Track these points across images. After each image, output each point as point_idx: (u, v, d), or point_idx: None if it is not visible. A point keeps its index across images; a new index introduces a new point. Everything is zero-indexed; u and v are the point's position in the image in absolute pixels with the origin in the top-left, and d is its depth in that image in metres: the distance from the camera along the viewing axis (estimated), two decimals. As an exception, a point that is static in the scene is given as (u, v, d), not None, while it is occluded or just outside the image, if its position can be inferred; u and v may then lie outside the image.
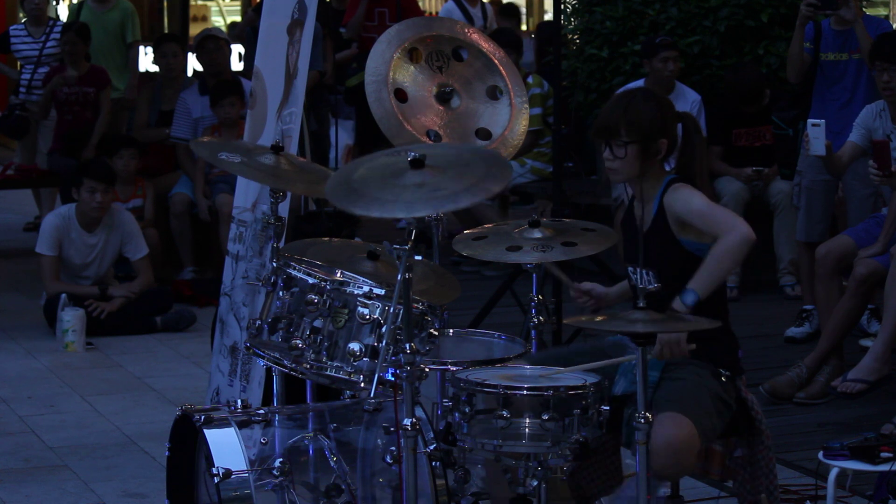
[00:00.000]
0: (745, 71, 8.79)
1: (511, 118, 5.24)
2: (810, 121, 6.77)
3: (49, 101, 10.48)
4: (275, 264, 4.66)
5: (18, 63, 11.48)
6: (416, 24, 5.30)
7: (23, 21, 11.74)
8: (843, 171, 7.13)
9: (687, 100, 8.77)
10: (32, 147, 11.04)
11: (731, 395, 4.50)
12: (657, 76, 8.72)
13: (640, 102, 4.57)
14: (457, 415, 4.17)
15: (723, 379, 4.48)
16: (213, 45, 10.14)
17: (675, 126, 4.61)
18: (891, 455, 4.80)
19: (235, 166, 5.01)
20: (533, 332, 5.06)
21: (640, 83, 8.77)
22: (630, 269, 4.59)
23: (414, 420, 4.01)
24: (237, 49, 12.33)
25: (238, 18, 19.22)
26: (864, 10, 8.47)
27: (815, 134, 6.65)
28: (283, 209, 5.15)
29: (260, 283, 4.77)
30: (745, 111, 8.80)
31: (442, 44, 5.24)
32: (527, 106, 5.33)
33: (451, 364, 4.63)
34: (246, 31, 11.46)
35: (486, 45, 5.32)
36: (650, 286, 4.23)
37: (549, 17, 17.10)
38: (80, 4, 11.37)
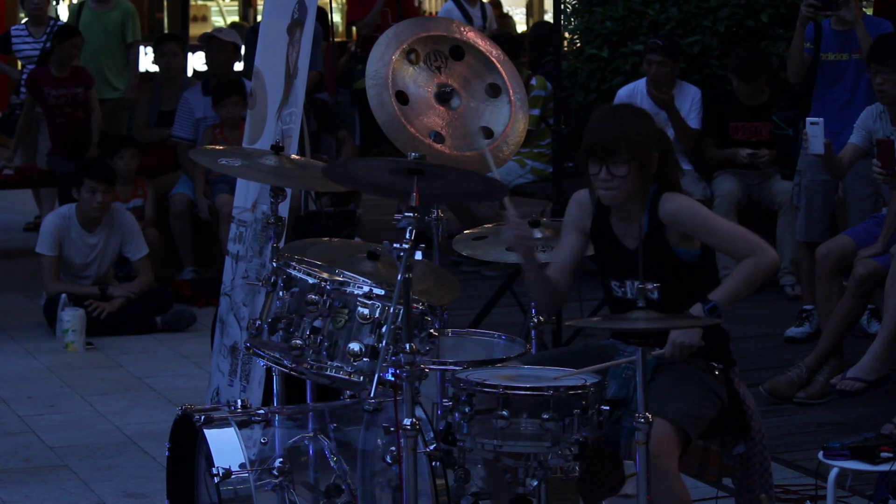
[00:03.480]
0: (751, 51, 8.75)
1: (511, 115, 5.24)
2: (809, 119, 6.77)
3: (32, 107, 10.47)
4: (275, 264, 4.66)
5: (19, 63, 11.49)
6: (413, 25, 5.30)
7: (23, 21, 11.73)
8: (844, 172, 7.13)
9: (687, 94, 8.78)
10: (32, 147, 11.03)
11: (724, 388, 4.48)
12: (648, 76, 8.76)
13: (631, 117, 4.40)
14: (457, 415, 4.17)
15: (716, 373, 4.47)
16: (216, 45, 10.17)
17: (660, 138, 4.48)
18: (891, 455, 4.79)
19: (237, 170, 5.01)
20: (533, 332, 5.06)
21: (641, 82, 8.79)
22: (615, 283, 4.52)
23: (414, 420, 4.01)
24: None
25: (238, 18, 19.22)
26: (864, 10, 8.47)
27: (814, 133, 6.65)
28: (283, 209, 5.15)
29: (260, 283, 4.77)
30: (744, 104, 8.76)
31: (440, 43, 5.24)
32: (526, 103, 5.32)
33: (452, 364, 4.63)
34: (246, 31, 11.46)
35: (483, 44, 5.32)
36: (650, 295, 4.20)
37: (549, 17, 17.11)
38: (80, 4, 11.36)
